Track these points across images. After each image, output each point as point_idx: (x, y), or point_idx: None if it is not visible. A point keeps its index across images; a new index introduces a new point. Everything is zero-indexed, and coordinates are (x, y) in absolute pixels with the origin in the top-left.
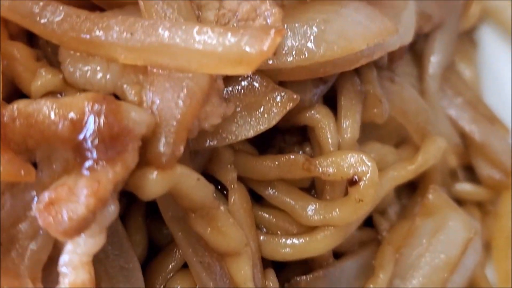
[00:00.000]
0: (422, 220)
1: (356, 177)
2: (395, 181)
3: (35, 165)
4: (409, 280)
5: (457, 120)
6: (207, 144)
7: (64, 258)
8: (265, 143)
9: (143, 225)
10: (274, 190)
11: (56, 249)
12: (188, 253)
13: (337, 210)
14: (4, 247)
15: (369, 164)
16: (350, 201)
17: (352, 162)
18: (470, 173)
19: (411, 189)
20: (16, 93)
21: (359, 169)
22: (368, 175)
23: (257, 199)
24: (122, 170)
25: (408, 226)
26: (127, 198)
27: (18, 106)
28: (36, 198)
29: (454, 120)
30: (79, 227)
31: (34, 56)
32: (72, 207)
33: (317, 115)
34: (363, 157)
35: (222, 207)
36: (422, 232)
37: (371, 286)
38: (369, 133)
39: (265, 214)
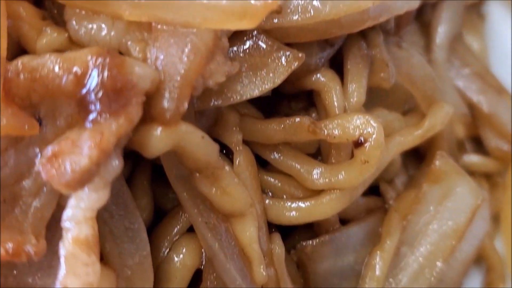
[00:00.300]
0: (429, 187)
1: (362, 138)
2: (402, 146)
3: (39, 122)
4: (416, 247)
5: (465, 91)
6: (212, 103)
7: (67, 213)
8: (270, 109)
9: (148, 189)
10: (279, 154)
11: (59, 207)
12: (193, 213)
13: (343, 172)
14: (8, 204)
15: (375, 125)
16: (356, 163)
17: (358, 123)
18: (478, 144)
19: (418, 160)
20: (21, 53)
21: (365, 130)
22: (374, 136)
23: (262, 165)
24: (126, 123)
25: (415, 194)
26: (132, 162)
27: (22, 60)
28: (39, 155)
29: (462, 91)
30: (82, 179)
31: (40, 16)
32: (75, 159)
33: (323, 79)
34: (369, 118)
35: (227, 167)
36: (429, 199)
37: (378, 252)
38: (375, 101)
39: (271, 179)
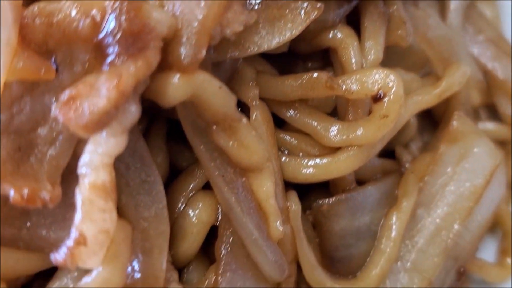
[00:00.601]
0: (446, 148)
1: (381, 93)
2: (419, 105)
3: (55, 69)
4: (433, 209)
5: (479, 57)
6: (229, 55)
7: (84, 159)
8: (286, 69)
9: (164, 147)
10: (295, 112)
11: (75, 157)
12: (210, 167)
13: (361, 129)
14: (23, 152)
15: (394, 79)
16: (374, 118)
17: (377, 78)
18: (493, 112)
19: (433, 127)
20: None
21: (384, 84)
22: (393, 89)
23: (278, 125)
24: (144, 66)
25: (431, 156)
26: (148, 119)
27: (39, 5)
28: (55, 102)
29: (476, 57)
30: (101, 122)
31: None
32: (93, 101)
33: (340, 35)
34: (388, 73)
35: (244, 120)
36: (446, 160)
37: (395, 213)
38: (392, 63)
39: (287, 137)
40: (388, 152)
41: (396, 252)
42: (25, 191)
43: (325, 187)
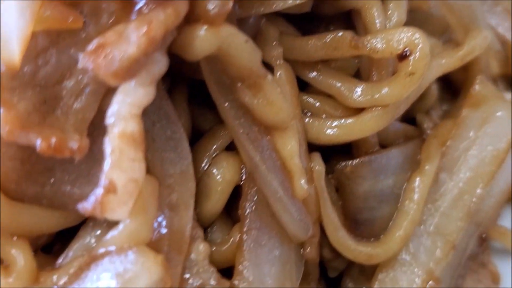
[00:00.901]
0: (468, 112)
1: (407, 50)
2: (442, 68)
3: None
4: (455, 173)
5: (497, 28)
6: (254, 10)
7: (112, 109)
8: (308, 31)
9: (186, 108)
10: (319, 74)
11: (100, 113)
12: (234, 125)
13: (387, 88)
14: (48, 105)
15: (420, 37)
16: (400, 77)
17: (402, 36)
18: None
19: (453, 97)
20: None
21: (410, 42)
22: (419, 46)
23: (300, 88)
24: (173, 14)
25: (453, 121)
26: (170, 81)
27: None
28: (82, 54)
29: (494, 28)
30: (130, 69)
31: None
32: (123, 48)
33: None
34: (414, 31)
35: (269, 76)
36: (468, 124)
37: (418, 177)
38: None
39: (309, 99)
40: (409, 121)
41: (419, 215)
42: (53, 140)
43: (347, 152)
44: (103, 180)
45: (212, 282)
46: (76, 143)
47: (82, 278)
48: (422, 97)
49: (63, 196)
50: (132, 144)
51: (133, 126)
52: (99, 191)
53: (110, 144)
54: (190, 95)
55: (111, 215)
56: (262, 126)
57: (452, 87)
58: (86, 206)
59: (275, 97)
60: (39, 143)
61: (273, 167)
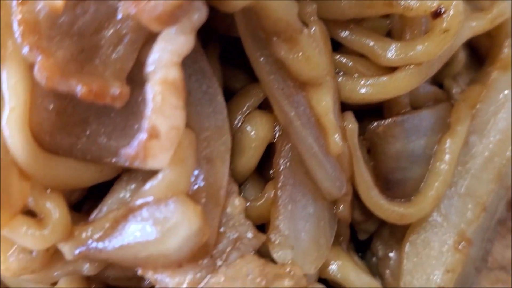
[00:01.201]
0: (498, 74)
1: (442, 7)
2: (473, 30)
3: None
4: (485, 136)
5: None
6: None
7: (153, 57)
8: None
9: (218, 67)
10: (351, 33)
11: (138, 66)
12: (269, 80)
13: (421, 46)
14: (87, 54)
15: None
16: (434, 34)
17: None
18: None
19: (479, 66)
20: None
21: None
22: (454, 3)
23: (332, 49)
24: None
25: (482, 85)
26: (202, 39)
27: None
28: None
29: None
30: (173, 14)
31: None
32: None
33: None
34: None
35: (305, 30)
36: (498, 87)
37: (449, 139)
38: None
39: (342, 58)
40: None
41: (450, 176)
42: (94, 86)
43: (379, 112)
44: (146, 125)
45: (249, 234)
46: (117, 89)
47: (119, 229)
48: (450, 62)
49: (98, 148)
50: (174, 91)
51: (175, 73)
52: (142, 135)
53: (152, 90)
54: (221, 55)
55: (152, 162)
56: (297, 81)
57: (478, 55)
58: (129, 152)
59: (311, 52)
60: (79, 89)
61: (308, 123)
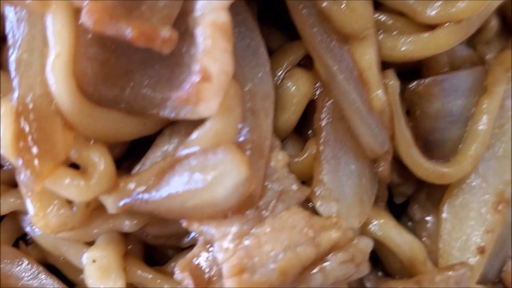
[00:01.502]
0: None
1: None
2: None
3: None
4: None
5: None
6: None
7: (202, 1)
8: None
9: (257, 26)
10: None
11: (182, 15)
12: (312, 33)
13: (461, 2)
14: (134, 0)
15: None
16: None
17: None
18: None
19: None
20: None
21: None
22: None
23: None
24: None
25: None
26: None
27: None
28: None
29: None
30: None
31: None
32: None
33: None
34: None
35: None
36: None
37: (486, 100)
38: None
39: (382, 16)
40: None
41: (489, 136)
42: (144, 28)
43: (417, 73)
44: (198, 67)
45: (294, 187)
46: (167, 32)
47: (165, 179)
48: (483, 29)
49: (143, 100)
50: (224, 34)
51: (224, 17)
52: (195, 78)
53: (202, 33)
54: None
55: (204, 106)
56: (340, 35)
57: (508, 25)
58: (181, 94)
59: (355, 3)
60: (129, 32)
61: (351, 77)
